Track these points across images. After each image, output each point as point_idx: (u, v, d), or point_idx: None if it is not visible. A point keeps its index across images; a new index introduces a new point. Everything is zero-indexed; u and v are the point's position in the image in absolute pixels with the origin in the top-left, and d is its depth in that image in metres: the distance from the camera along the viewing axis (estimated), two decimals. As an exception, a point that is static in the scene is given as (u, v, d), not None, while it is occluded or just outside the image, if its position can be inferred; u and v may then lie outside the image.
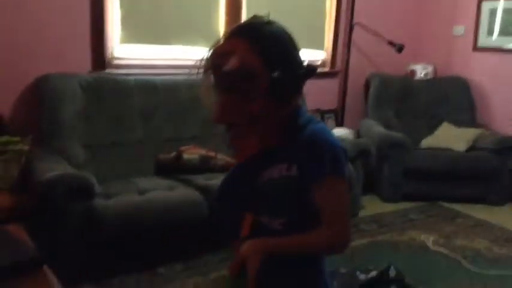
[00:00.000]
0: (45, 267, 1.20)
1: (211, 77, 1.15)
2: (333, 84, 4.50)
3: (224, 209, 1.32)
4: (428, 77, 4.69)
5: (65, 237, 2.45)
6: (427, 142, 4.24)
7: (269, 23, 1.15)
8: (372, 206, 3.87)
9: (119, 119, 3.16)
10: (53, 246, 2.30)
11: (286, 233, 1.18)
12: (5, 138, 2.67)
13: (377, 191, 4.08)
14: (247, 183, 1.21)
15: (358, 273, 2.43)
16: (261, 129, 1.15)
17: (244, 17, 3.79)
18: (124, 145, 3.16)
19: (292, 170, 1.16)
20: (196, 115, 3.38)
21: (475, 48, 4.53)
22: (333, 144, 1.16)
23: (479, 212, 3.83)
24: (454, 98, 4.52)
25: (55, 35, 3.12)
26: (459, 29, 4.65)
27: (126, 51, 3.42)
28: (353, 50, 4.41)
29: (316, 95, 4.00)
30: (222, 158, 3.09)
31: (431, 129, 4.37)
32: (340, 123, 4.44)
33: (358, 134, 4.31)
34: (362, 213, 3.71)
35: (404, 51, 4.34)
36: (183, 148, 3.11)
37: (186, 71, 3.35)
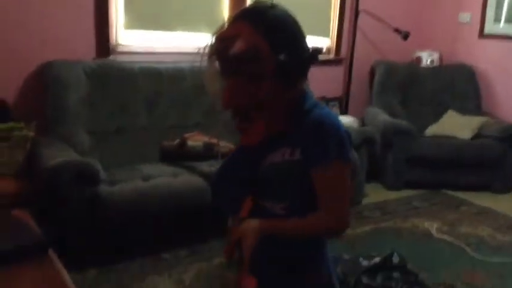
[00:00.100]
0: (51, 252, 1.21)
1: (216, 63, 1.15)
2: (338, 71, 4.48)
3: (221, 192, 1.32)
4: (434, 64, 4.65)
5: (70, 223, 2.47)
6: (432, 130, 4.23)
7: (273, 6, 1.15)
8: (375, 194, 3.87)
9: (123, 105, 3.16)
10: (58, 232, 2.31)
11: (287, 218, 1.19)
12: (9, 124, 2.68)
13: (381, 178, 4.08)
14: (249, 167, 1.22)
15: (361, 259, 2.44)
16: (268, 114, 1.15)
17: (248, 2, 3.76)
18: (128, 132, 3.16)
19: (295, 154, 1.16)
20: (200, 102, 3.38)
21: (482, 35, 4.49)
22: (339, 129, 1.16)
23: (483, 200, 3.82)
24: (460, 85, 4.49)
25: (59, 21, 3.11)
26: (465, 16, 4.60)
27: (130, 38, 3.41)
28: (358, 37, 4.37)
29: (320, 83, 3.98)
30: (226, 145, 3.09)
31: (436, 117, 4.35)
32: (344, 111, 4.43)
33: (362, 122, 4.30)
34: (366, 201, 3.72)
35: (409, 39, 4.30)
36: (187, 135, 3.12)
37: (190, 57, 3.35)
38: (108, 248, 2.57)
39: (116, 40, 3.34)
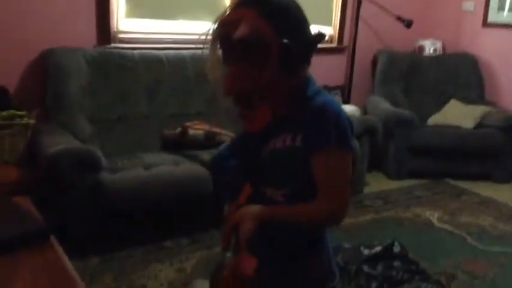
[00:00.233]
0: (52, 239, 1.20)
1: (219, 50, 1.14)
2: (340, 60, 4.45)
3: (219, 178, 1.32)
4: (437, 53, 4.62)
5: (71, 211, 2.47)
6: (434, 119, 4.21)
7: None
8: (377, 183, 3.87)
9: (124, 93, 3.15)
10: (60, 219, 2.32)
11: (287, 205, 1.18)
12: (10, 112, 2.67)
13: (383, 167, 4.07)
14: (250, 153, 1.21)
15: (362, 248, 2.44)
16: (271, 100, 1.14)
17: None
18: (129, 120, 3.16)
19: (296, 140, 1.15)
20: (201, 91, 3.36)
21: (485, 24, 4.45)
22: (341, 116, 1.15)
23: (484, 189, 3.82)
24: (463, 74, 4.47)
25: (60, 8, 3.09)
26: (469, 5, 4.56)
27: (131, 26, 3.40)
28: (361, 25, 4.34)
29: (323, 71, 3.97)
30: (227, 134, 3.09)
31: (439, 106, 4.33)
32: (347, 100, 4.41)
33: (365, 111, 4.29)
34: (367, 190, 3.71)
35: (412, 27, 4.27)
36: (188, 124, 3.11)
37: (192, 46, 3.34)
38: (109, 236, 2.57)
39: (117, 28, 3.32)
